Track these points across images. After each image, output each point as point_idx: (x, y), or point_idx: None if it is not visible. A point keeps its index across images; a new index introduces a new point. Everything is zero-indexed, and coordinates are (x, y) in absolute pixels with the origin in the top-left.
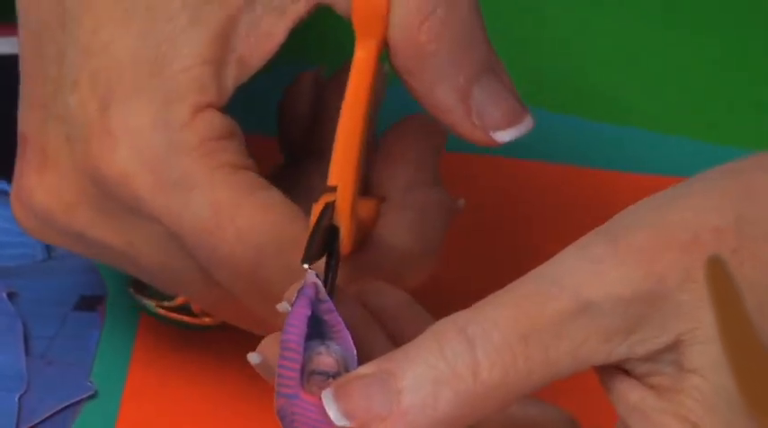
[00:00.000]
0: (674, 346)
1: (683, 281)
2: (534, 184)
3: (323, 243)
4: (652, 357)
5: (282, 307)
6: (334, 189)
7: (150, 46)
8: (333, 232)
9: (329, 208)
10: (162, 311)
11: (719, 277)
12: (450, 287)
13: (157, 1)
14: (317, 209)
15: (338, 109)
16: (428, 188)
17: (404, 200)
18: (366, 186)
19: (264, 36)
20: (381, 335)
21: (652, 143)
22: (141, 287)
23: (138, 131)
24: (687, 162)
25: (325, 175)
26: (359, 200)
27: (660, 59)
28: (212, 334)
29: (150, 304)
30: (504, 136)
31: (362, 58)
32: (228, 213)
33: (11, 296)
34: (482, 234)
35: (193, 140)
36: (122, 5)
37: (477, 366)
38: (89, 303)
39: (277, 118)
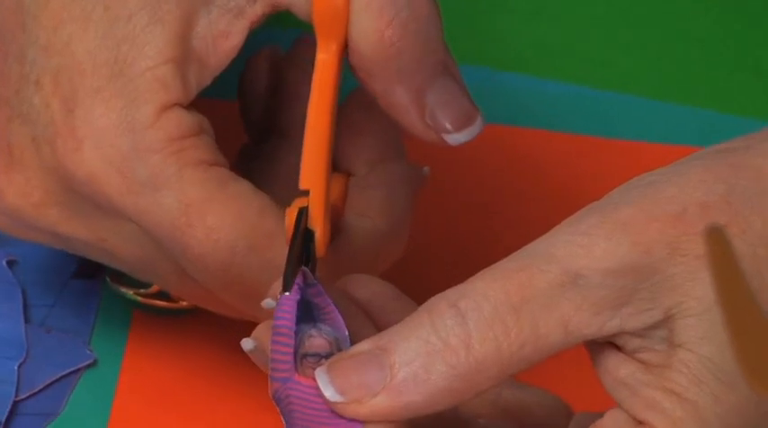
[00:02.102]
0: (665, 322)
1: (670, 255)
2: (533, 152)
3: (299, 251)
4: (644, 333)
5: (267, 303)
6: (306, 192)
7: (110, 46)
8: (308, 236)
9: (303, 214)
10: (140, 298)
11: (718, 245)
12: (444, 261)
13: (114, 1)
14: (290, 215)
15: (296, 84)
16: (393, 163)
17: (369, 178)
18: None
19: (221, 37)
20: (370, 326)
21: (652, 111)
22: (117, 276)
23: (104, 133)
24: (689, 129)
25: (290, 152)
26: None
27: (661, 26)
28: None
29: (128, 292)
30: (455, 138)
31: (324, 60)
32: (198, 212)
33: (10, 264)
34: (477, 203)
35: (160, 140)
36: (79, 4)
37: (470, 338)
38: (89, 271)
39: (237, 98)
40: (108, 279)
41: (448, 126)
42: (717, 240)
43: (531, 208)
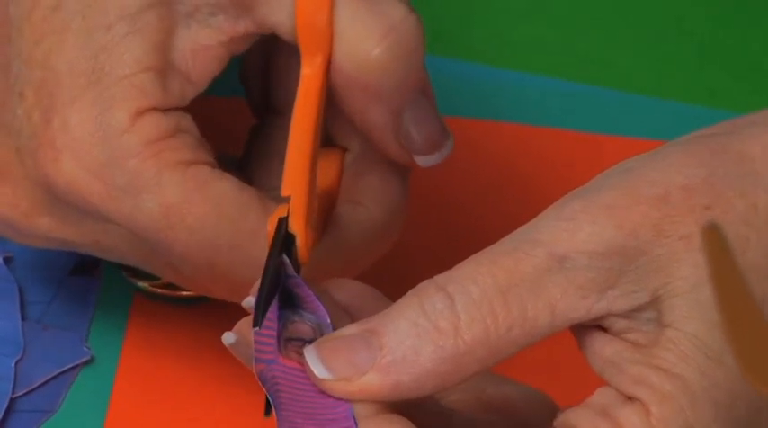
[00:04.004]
0: (653, 303)
1: (655, 237)
2: (531, 149)
3: (278, 259)
4: (630, 314)
5: (247, 302)
6: (287, 199)
7: (88, 56)
8: (289, 240)
9: (284, 222)
10: (158, 290)
11: (715, 242)
12: (431, 260)
13: (92, 10)
14: (271, 223)
15: (286, 62)
16: None
17: (363, 162)
18: (326, 136)
19: (201, 51)
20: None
21: (651, 108)
22: (132, 269)
23: (81, 142)
24: (687, 126)
25: (285, 129)
26: (322, 152)
27: (659, 23)
28: (209, 301)
29: (144, 285)
30: (426, 160)
31: (309, 74)
32: (178, 214)
33: (7, 260)
34: (472, 200)
35: (136, 144)
36: (59, 15)
37: (458, 321)
38: (86, 268)
39: (239, 81)
40: (124, 273)
41: (421, 147)
42: (714, 238)
43: (527, 205)
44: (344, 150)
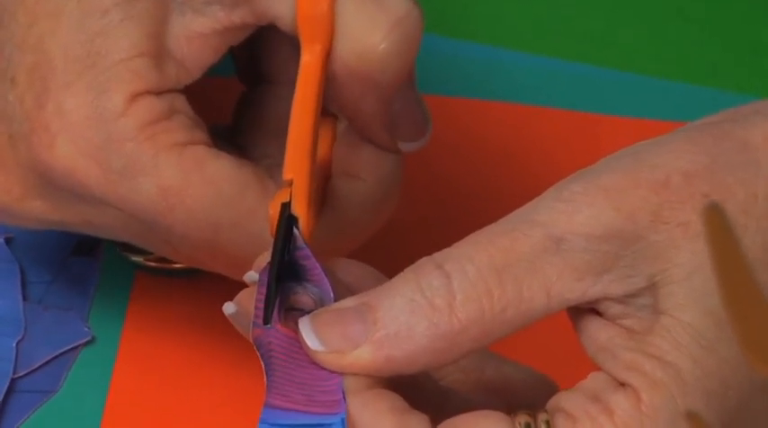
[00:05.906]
0: (649, 289)
1: (653, 222)
2: (531, 130)
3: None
4: (626, 299)
5: (249, 276)
6: (290, 182)
7: (83, 40)
8: (292, 222)
9: (286, 208)
10: (152, 264)
11: (717, 223)
12: (430, 233)
13: None
14: (273, 208)
15: (276, 31)
16: None
17: (356, 135)
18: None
19: (196, 38)
20: None
21: (651, 88)
22: (125, 244)
23: (76, 126)
24: (688, 107)
25: (276, 97)
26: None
27: (659, 3)
28: (209, 280)
29: (138, 259)
30: (409, 146)
31: (309, 62)
32: (177, 195)
33: (8, 240)
34: (472, 182)
35: (132, 127)
36: (53, 0)
37: (453, 299)
38: (87, 248)
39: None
40: (118, 248)
41: (406, 134)
42: (715, 218)
43: (527, 185)
44: (336, 118)
